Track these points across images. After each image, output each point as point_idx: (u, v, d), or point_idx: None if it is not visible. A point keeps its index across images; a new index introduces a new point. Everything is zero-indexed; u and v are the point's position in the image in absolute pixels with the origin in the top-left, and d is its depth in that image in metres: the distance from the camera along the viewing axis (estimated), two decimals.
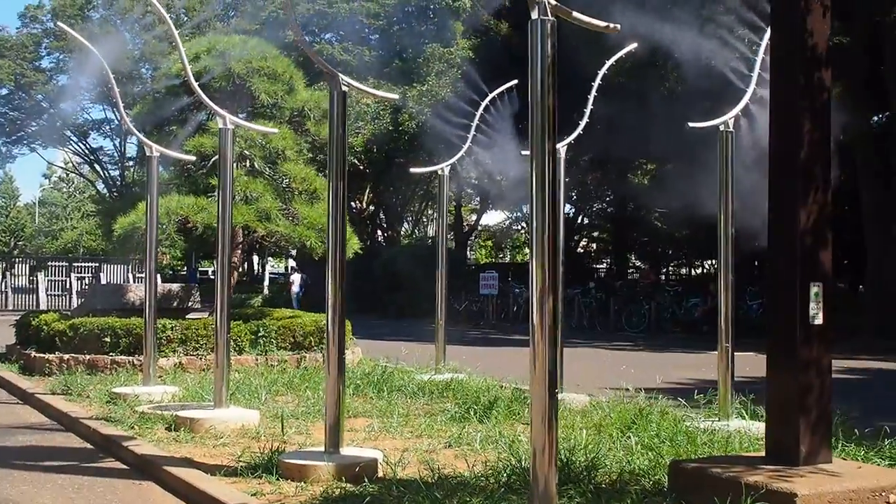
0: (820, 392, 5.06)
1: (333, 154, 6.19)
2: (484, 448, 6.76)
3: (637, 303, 24.45)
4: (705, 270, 39.52)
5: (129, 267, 23.59)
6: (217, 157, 12.53)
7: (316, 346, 11.85)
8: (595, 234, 42.92)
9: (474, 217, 46.45)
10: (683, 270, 39.33)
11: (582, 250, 43.32)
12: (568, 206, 40.91)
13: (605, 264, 43.41)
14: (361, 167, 35.17)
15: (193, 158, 10.91)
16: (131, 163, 46.46)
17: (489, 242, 55.29)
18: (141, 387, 9.38)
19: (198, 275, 45.37)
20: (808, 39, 4.97)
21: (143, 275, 24.96)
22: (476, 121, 11.00)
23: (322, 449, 6.20)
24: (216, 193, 12.91)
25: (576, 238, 42.71)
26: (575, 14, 4.37)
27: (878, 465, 5.80)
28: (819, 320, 5.03)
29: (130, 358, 10.97)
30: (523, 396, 8.81)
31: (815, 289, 5.02)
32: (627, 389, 9.07)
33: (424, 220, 53.47)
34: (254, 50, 12.48)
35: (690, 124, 7.29)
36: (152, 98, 13.86)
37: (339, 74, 6.17)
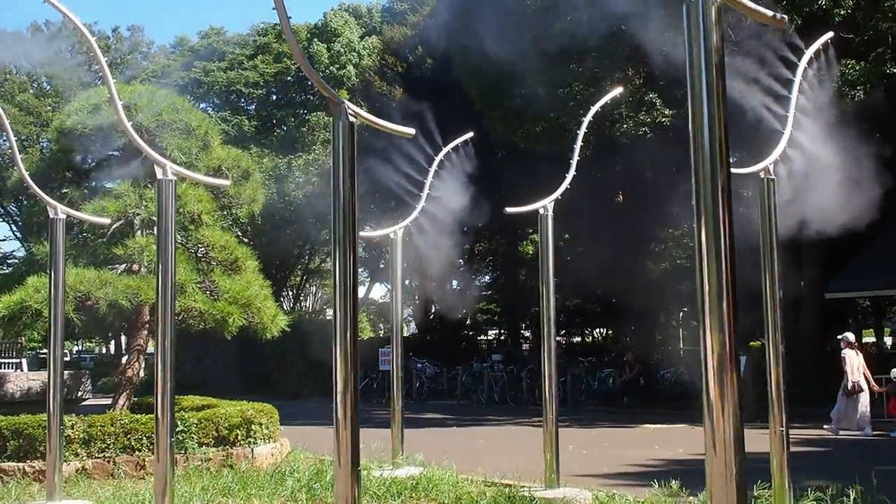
0: None
1: (340, 206, 4.79)
2: None
3: None
4: (595, 339, 39.25)
5: None
6: (120, 222, 10.99)
7: (243, 440, 10.17)
8: (481, 304, 42.20)
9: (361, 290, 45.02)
10: (576, 339, 38.97)
11: (469, 321, 42.48)
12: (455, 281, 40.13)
13: (492, 336, 42.67)
14: (246, 240, 33.36)
15: (108, 221, 9.23)
16: None
17: (371, 317, 53.72)
18: (44, 503, 7.53)
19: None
20: None
21: (10, 360, 22.31)
22: (430, 177, 9.80)
23: None
24: (118, 266, 11.30)
25: (463, 311, 41.84)
26: None
27: None
28: None
29: (21, 464, 9.02)
30: (517, 495, 7.53)
31: None
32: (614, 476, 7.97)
33: (302, 295, 51.56)
34: (164, 101, 10.93)
35: (733, 170, 6.31)
36: (42, 157, 12.03)
37: (346, 102, 4.87)
